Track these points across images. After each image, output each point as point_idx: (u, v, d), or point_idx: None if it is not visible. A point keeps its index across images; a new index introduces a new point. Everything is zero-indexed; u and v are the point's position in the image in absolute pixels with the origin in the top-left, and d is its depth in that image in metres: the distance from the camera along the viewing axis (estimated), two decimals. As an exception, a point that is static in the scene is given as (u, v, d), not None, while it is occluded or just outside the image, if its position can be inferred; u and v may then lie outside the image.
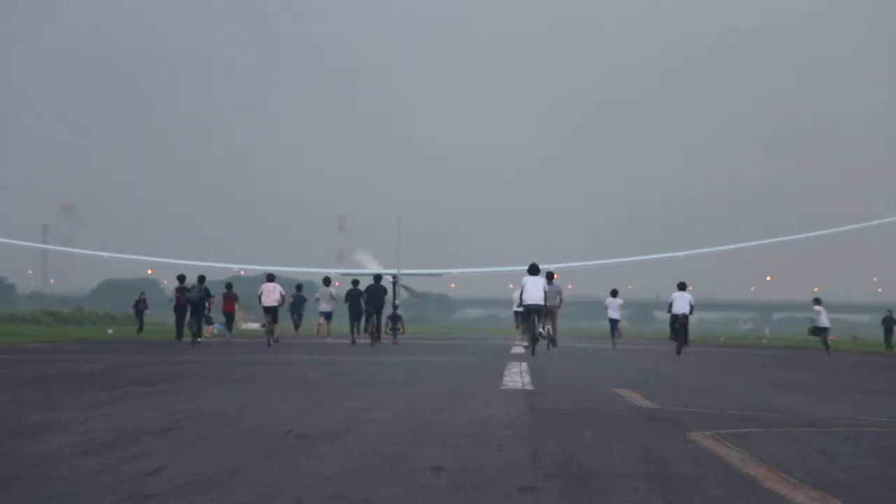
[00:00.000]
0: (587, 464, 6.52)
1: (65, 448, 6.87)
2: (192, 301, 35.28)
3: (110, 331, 52.11)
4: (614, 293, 41.82)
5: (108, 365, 18.72)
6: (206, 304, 35.84)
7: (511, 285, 35.05)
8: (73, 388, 12.63)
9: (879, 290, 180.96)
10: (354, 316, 37.59)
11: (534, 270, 28.90)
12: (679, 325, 32.77)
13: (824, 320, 40.64)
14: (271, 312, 34.44)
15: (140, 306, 50.32)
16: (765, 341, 63.34)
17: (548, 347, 33.63)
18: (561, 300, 35.14)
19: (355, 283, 38.96)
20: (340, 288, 45.60)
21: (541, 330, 31.83)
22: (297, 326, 43.22)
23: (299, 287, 44.20)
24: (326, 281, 41.29)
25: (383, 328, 39.39)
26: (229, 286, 39.31)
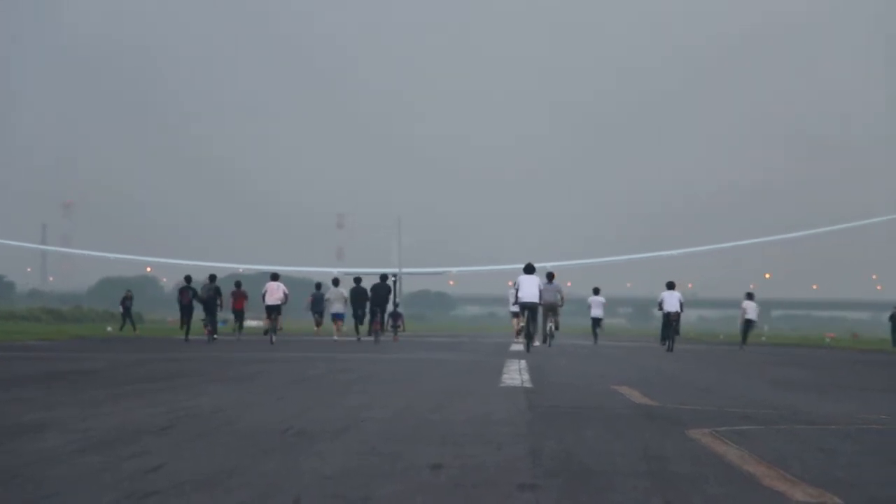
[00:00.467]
0: (587, 462, 6.52)
1: (64, 446, 6.87)
2: (204, 299, 35.97)
3: (109, 328, 52.08)
4: (596, 291, 42.87)
5: (108, 363, 18.73)
6: (218, 302, 36.46)
7: (511, 283, 35.25)
8: (73, 386, 12.64)
9: (878, 287, 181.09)
10: (360, 312, 38.52)
11: (529, 270, 29.67)
12: (670, 323, 33.76)
13: (751, 314, 41.56)
14: (274, 311, 35.20)
15: (127, 304, 50.45)
16: (764, 339, 63.32)
17: (549, 344, 34.21)
18: (562, 298, 35.75)
19: (358, 280, 39.70)
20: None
21: (551, 325, 34.31)
22: (318, 324, 43.26)
23: (318, 286, 44.47)
24: (336, 281, 41.70)
25: (384, 325, 39.92)
26: (238, 284, 40.33)
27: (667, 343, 33.95)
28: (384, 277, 38.73)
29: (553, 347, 33.17)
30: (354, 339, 37.83)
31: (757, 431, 8.47)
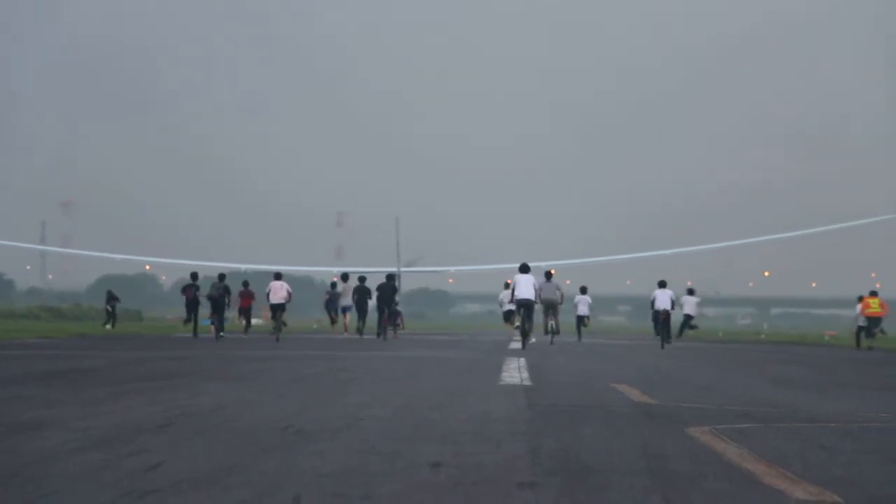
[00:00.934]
0: (586, 460, 6.52)
1: (64, 444, 6.87)
2: (214, 297, 36.91)
3: (108, 326, 52.10)
4: (583, 290, 43.81)
5: (108, 361, 18.73)
6: (226, 301, 37.44)
7: (509, 281, 35.78)
8: (73, 384, 12.63)
9: (878, 285, 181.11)
10: (361, 311, 40.08)
11: (524, 269, 30.83)
12: (662, 321, 34.93)
13: (689, 309, 42.60)
14: (278, 309, 36.32)
15: (112, 302, 50.73)
16: (763, 336, 63.38)
17: (551, 342, 35.03)
18: (562, 296, 36.64)
19: (362, 279, 41.12)
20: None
21: (552, 322, 35.44)
22: (333, 322, 43.94)
23: (334, 285, 45.32)
24: (345, 277, 42.87)
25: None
26: (245, 284, 41.58)
27: (660, 340, 34.82)
28: (390, 277, 40.09)
29: (552, 346, 33.27)
30: (359, 336, 38.64)
31: (756, 429, 8.47)
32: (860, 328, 40.64)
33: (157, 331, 48.65)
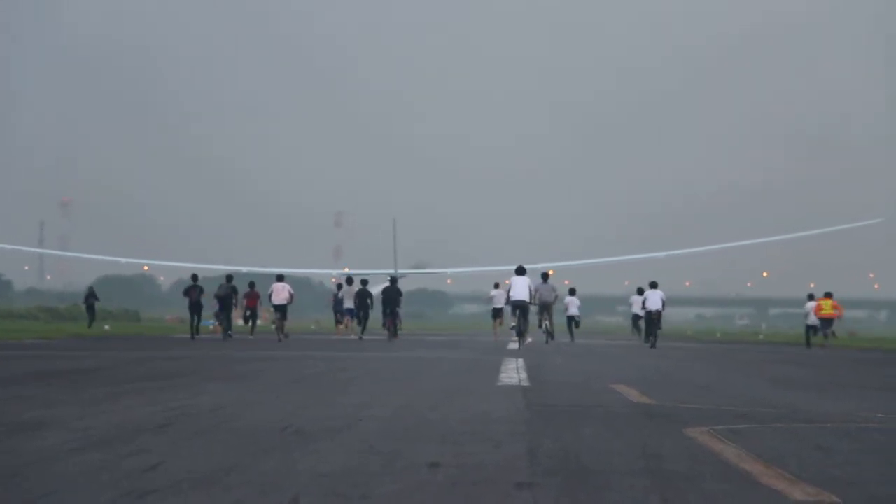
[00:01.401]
0: (585, 460, 6.53)
1: (64, 444, 6.87)
2: (221, 297, 37.94)
3: (107, 327, 52.08)
4: (572, 291, 44.74)
5: (107, 361, 18.73)
6: (234, 301, 38.43)
7: (508, 282, 36.18)
8: (72, 384, 12.64)
9: (875, 286, 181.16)
10: (363, 313, 40.96)
11: (521, 271, 32.01)
12: (652, 321, 35.63)
13: (637, 309, 43.03)
14: (280, 310, 37.24)
15: (90, 300, 50.73)
16: (762, 337, 63.38)
17: (546, 342, 35.66)
18: (556, 297, 37.33)
19: (364, 282, 42.26)
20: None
21: (546, 323, 36.42)
22: (339, 323, 44.30)
23: (340, 287, 45.55)
24: (349, 280, 43.21)
25: (380, 324, 41.97)
26: (252, 285, 42.10)
27: (650, 340, 35.32)
28: (394, 281, 41.35)
29: (549, 346, 33.36)
30: (360, 338, 39.12)
31: (755, 430, 8.48)
32: (809, 327, 41.77)
33: (155, 331, 48.64)
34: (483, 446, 7.06)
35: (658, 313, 35.64)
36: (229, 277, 39.38)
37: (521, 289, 31.32)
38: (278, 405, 9.99)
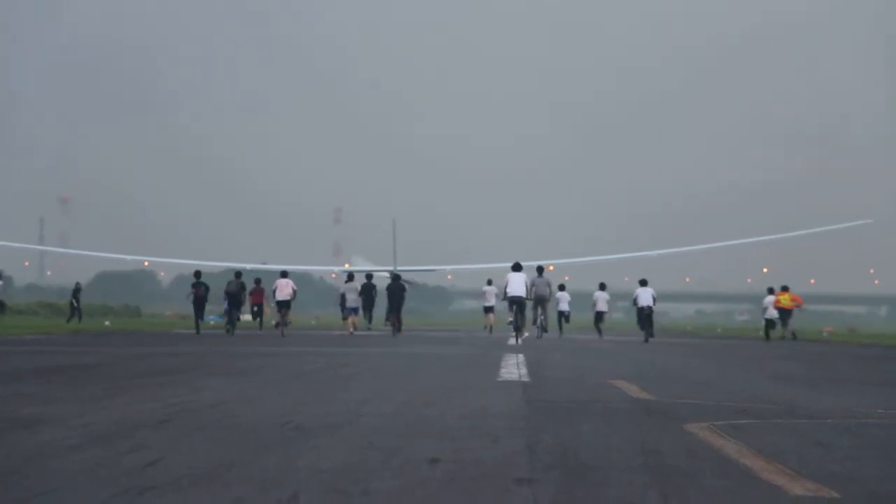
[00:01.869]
0: (584, 456, 6.53)
1: (63, 441, 6.87)
2: (231, 293, 39.37)
3: (107, 322, 52.12)
4: (562, 287, 45.44)
5: (107, 357, 18.73)
6: (242, 297, 40.18)
7: (506, 279, 36.60)
8: (72, 380, 12.64)
9: (876, 282, 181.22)
10: (368, 308, 42.59)
11: (517, 268, 33.13)
12: (645, 316, 37.22)
13: (564, 306, 44.88)
14: (284, 306, 38.49)
15: (77, 296, 51.06)
16: (761, 333, 63.38)
17: (539, 336, 36.69)
18: (551, 292, 38.73)
19: (369, 277, 43.57)
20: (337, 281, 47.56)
21: (541, 318, 37.59)
22: (345, 319, 44.97)
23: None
24: (350, 276, 44.34)
25: (381, 320, 44.47)
26: (258, 281, 44.12)
27: (644, 334, 36.65)
28: (398, 277, 42.10)
29: (545, 341, 33.44)
30: (365, 333, 40.27)
31: (755, 425, 8.49)
32: (768, 321, 42.46)
33: (156, 327, 48.67)
34: (482, 442, 7.06)
35: (650, 309, 37.09)
36: (238, 274, 40.99)
37: (517, 284, 32.31)
38: (279, 401, 9.99)
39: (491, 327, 44.28)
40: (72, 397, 10.04)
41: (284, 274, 39.92)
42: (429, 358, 20.28)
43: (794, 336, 41.04)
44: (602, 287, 43.78)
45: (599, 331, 42.85)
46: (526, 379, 13.82)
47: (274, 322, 39.90)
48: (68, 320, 49.42)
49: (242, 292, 40.00)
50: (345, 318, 43.95)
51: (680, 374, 16.65)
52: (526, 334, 33.86)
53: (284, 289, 38.76)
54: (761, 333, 43.28)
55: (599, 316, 43.22)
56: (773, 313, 42.22)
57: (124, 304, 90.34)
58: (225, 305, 40.04)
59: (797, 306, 41.89)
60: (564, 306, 44.79)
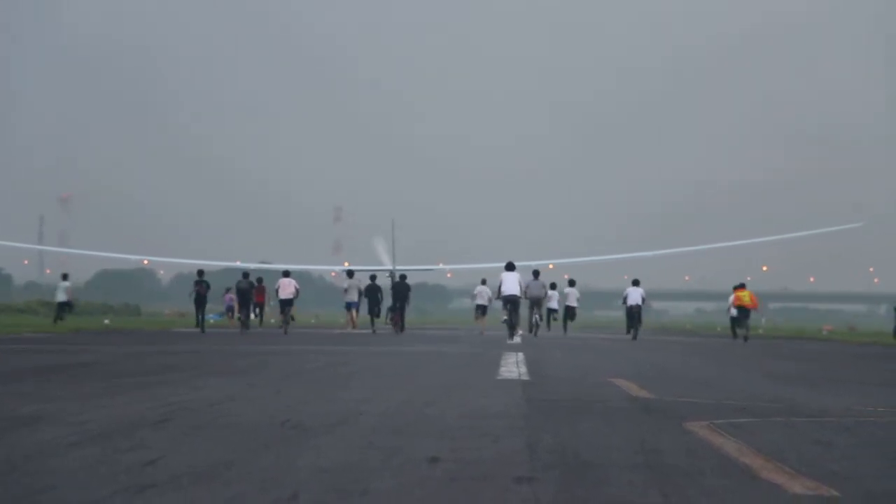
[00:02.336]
0: (584, 454, 6.53)
1: (62, 439, 6.87)
2: (242, 291, 40.66)
3: (107, 321, 52.11)
4: (553, 286, 45.60)
5: (106, 355, 18.73)
6: (251, 296, 41.03)
7: (500, 278, 36.99)
8: (71, 378, 12.64)
9: (875, 280, 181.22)
10: (373, 307, 43.19)
11: (510, 267, 33.89)
12: (633, 314, 38.59)
13: (554, 304, 44.87)
14: (287, 304, 39.36)
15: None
16: (761, 331, 63.39)
17: (535, 334, 38.10)
18: (546, 293, 40.78)
19: (373, 277, 44.20)
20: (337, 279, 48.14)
21: (536, 317, 39.51)
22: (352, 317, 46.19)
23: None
24: (350, 273, 45.16)
25: (384, 319, 44.75)
26: (260, 280, 45.09)
27: (632, 332, 37.91)
28: (403, 277, 43.14)
29: (548, 340, 33.48)
30: (368, 331, 40.61)
31: (754, 424, 8.49)
32: (734, 319, 42.15)
33: (155, 325, 48.68)
34: (482, 441, 7.06)
35: (639, 307, 38.48)
36: (246, 274, 41.98)
37: (511, 284, 32.98)
38: (279, 400, 9.99)
39: (483, 330, 44.13)
40: (71, 395, 10.04)
41: (287, 273, 40.75)
42: (429, 356, 20.28)
43: (738, 338, 39.78)
44: (553, 286, 44.35)
45: (549, 325, 43.66)
46: (525, 378, 13.82)
47: (273, 320, 40.47)
48: (55, 321, 49.24)
49: (252, 291, 41.03)
50: (349, 311, 44.93)
51: (679, 372, 16.65)
52: (520, 332, 34.64)
53: (287, 287, 39.61)
54: (731, 332, 42.89)
55: (551, 313, 43.85)
56: (736, 311, 42.03)
57: (124, 303, 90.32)
58: (225, 304, 40.68)
59: (753, 307, 41.64)
60: (554, 304, 45.01)
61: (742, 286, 41.28)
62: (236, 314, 44.05)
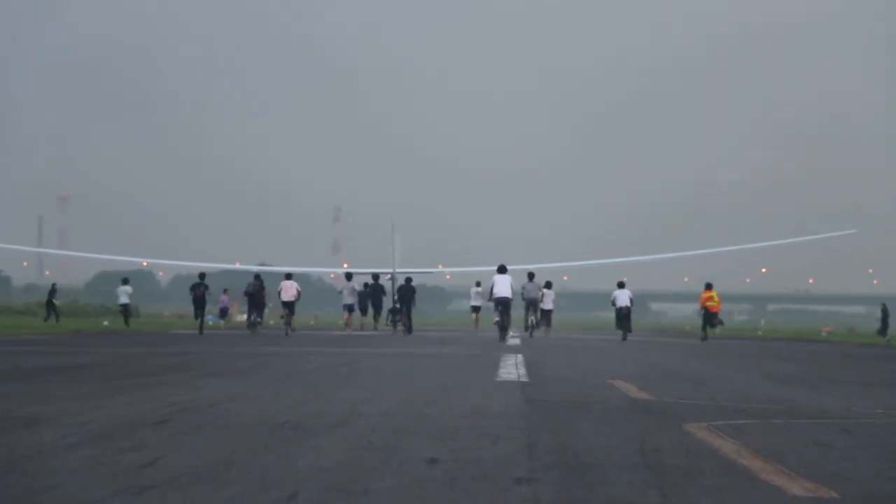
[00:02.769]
0: (583, 455, 6.54)
1: (62, 440, 6.88)
2: (251, 294, 41.20)
3: (106, 322, 52.12)
4: (548, 285, 45.89)
5: (106, 357, 18.73)
6: (260, 298, 41.61)
7: (492, 280, 37.28)
8: (71, 379, 12.64)
9: (875, 282, 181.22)
10: (376, 309, 44.24)
11: (502, 270, 34.49)
12: (623, 316, 39.51)
13: (549, 304, 44.96)
14: (289, 306, 39.92)
15: (53, 296, 51.44)
16: (760, 332, 63.42)
17: (531, 335, 38.84)
18: (542, 294, 41.53)
19: (376, 277, 45.16)
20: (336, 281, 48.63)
21: (532, 318, 40.52)
22: (361, 318, 46.22)
23: (365, 285, 46.57)
24: (349, 276, 45.19)
25: (384, 320, 45.28)
26: (261, 280, 45.02)
27: (622, 333, 38.81)
28: (409, 280, 43.66)
29: (546, 341, 33.53)
30: (367, 332, 41.41)
31: (753, 425, 8.49)
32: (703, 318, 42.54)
33: (154, 327, 48.68)
34: (482, 441, 7.07)
35: (628, 309, 39.43)
36: (257, 276, 42.57)
37: (503, 286, 33.52)
38: (278, 400, 10.00)
39: (476, 329, 45.96)
40: (71, 396, 10.04)
41: (289, 276, 41.23)
42: (428, 357, 20.28)
43: (704, 339, 39.84)
44: (548, 286, 44.46)
45: (546, 326, 43.84)
46: (525, 379, 13.83)
47: (272, 321, 40.72)
48: (45, 319, 49.63)
49: (261, 293, 41.44)
50: (362, 319, 45.05)
51: (678, 373, 16.65)
52: (511, 333, 35.29)
53: (289, 290, 40.06)
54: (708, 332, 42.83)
55: (545, 313, 43.91)
56: (703, 311, 42.00)
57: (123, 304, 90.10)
58: (219, 305, 40.85)
59: (717, 308, 41.73)
60: (549, 304, 45.15)
61: (709, 286, 41.46)
62: (239, 317, 44.33)
